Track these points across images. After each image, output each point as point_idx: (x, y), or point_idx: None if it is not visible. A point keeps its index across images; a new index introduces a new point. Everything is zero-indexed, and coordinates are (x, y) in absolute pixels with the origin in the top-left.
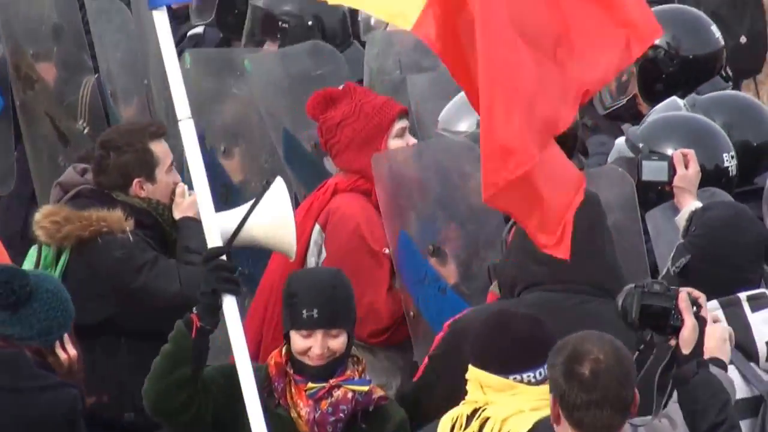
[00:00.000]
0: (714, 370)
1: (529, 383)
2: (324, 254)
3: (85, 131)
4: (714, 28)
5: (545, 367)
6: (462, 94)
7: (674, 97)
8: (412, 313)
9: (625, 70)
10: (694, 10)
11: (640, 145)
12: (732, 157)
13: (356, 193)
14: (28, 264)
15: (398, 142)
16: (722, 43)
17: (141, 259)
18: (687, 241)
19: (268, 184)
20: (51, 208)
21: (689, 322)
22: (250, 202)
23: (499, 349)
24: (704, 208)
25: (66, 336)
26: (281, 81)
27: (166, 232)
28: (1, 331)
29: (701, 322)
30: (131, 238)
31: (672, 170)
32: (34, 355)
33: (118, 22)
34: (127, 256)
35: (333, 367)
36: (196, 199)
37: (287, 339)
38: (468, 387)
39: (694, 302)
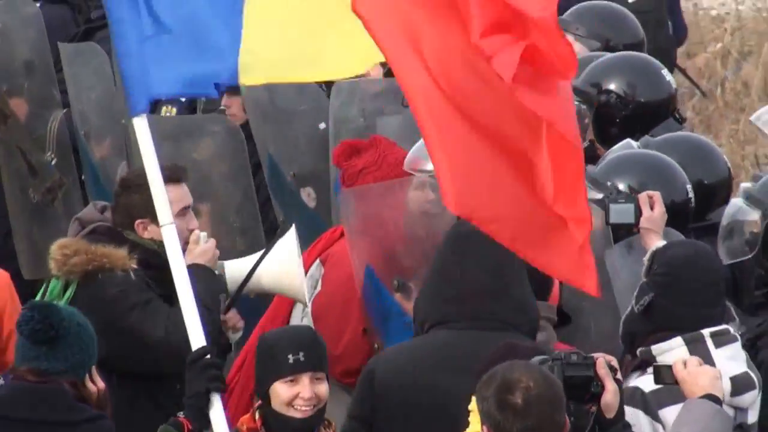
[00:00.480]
0: (712, 405)
1: None
2: (318, 288)
3: (53, 162)
4: (665, 72)
5: None
6: None
7: (628, 139)
8: (376, 346)
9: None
10: (646, 56)
11: (608, 183)
12: (690, 189)
13: None
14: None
15: (417, 194)
16: (674, 87)
17: (135, 299)
18: (650, 279)
19: (282, 232)
20: (64, 241)
21: (610, 387)
22: (260, 252)
23: None
24: (665, 247)
25: (93, 368)
26: (268, 110)
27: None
28: (36, 365)
29: (619, 385)
30: (132, 277)
31: (638, 212)
32: (71, 388)
33: (94, 64)
34: (123, 294)
35: (313, 422)
36: (210, 247)
37: (263, 398)
38: (471, 418)
39: (611, 367)
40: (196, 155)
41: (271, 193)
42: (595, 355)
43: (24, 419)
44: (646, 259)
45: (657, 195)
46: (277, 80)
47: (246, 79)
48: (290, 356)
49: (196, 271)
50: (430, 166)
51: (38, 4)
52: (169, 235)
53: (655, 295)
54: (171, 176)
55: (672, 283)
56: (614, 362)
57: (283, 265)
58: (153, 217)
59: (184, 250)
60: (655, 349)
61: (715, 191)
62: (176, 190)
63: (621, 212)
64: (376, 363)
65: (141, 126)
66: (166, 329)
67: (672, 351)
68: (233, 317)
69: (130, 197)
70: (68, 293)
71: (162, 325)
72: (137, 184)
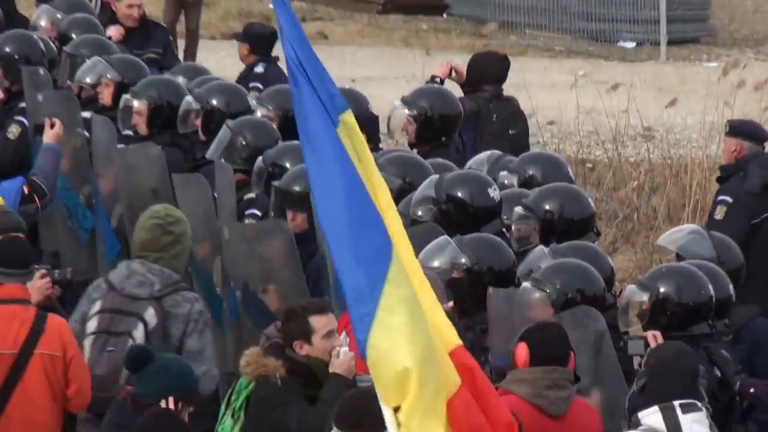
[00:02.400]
0: None
1: None
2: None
3: None
4: (589, 198)
5: None
6: (437, 240)
7: (540, 246)
8: None
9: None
10: (572, 186)
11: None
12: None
13: None
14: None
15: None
16: (593, 209)
17: (278, 400)
18: (645, 368)
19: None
20: (249, 350)
21: None
22: None
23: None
24: (658, 346)
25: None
26: (251, 256)
27: (320, 381)
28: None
29: None
30: (279, 383)
31: (646, 345)
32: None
33: (200, 189)
34: (270, 395)
35: None
36: (347, 359)
37: None
38: None
39: None
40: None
41: (246, 313)
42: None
43: None
44: (646, 354)
45: (658, 333)
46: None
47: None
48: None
49: (333, 379)
50: (435, 264)
51: (159, 147)
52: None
53: (648, 379)
54: (318, 308)
55: (662, 371)
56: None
57: None
58: (307, 339)
59: (328, 361)
60: (641, 414)
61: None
62: (323, 319)
63: (635, 346)
64: None
65: None
66: (298, 422)
67: (650, 415)
68: None
69: (289, 325)
70: (249, 388)
71: (294, 421)
72: (294, 314)
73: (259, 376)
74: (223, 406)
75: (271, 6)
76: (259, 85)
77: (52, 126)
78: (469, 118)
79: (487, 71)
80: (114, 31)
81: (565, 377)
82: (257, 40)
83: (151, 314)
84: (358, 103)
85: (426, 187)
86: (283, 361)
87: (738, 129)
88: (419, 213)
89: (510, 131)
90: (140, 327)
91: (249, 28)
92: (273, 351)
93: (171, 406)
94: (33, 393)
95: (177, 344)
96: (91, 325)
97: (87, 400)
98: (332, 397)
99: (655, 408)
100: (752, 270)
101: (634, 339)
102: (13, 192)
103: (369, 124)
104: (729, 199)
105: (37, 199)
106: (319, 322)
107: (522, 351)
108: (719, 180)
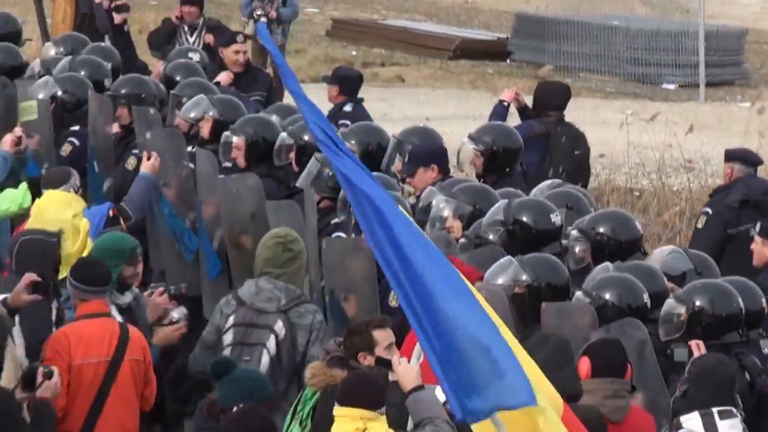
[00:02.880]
0: None
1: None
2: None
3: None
4: (636, 222)
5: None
6: (501, 260)
7: (606, 263)
8: None
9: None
10: (621, 211)
11: (594, 293)
12: (647, 296)
13: None
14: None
15: None
16: (641, 231)
17: None
18: (687, 376)
19: None
20: (316, 363)
21: None
22: None
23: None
24: (700, 357)
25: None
26: (338, 268)
27: None
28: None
29: None
30: None
31: (690, 353)
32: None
33: (292, 214)
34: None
35: None
36: (405, 369)
37: None
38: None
39: None
40: None
41: None
42: None
43: None
44: (689, 363)
45: (701, 343)
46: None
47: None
48: None
49: (396, 386)
50: (500, 281)
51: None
52: None
53: (689, 387)
54: (380, 324)
55: (702, 380)
56: None
57: None
58: (370, 351)
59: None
60: (682, 418)
61: (659, 298)
62: (384, 333)
63: (680, 354)
64: None
65: None
66: None
67: (691, 420)
68: None
69: (352, 339)
70: (314, 398)
71: None
72: (359, 329)
73: (327, 386)
74: (288, 417)
75: (354, 53)
76: (348, 122)
77: (149, 158)
78: (537, 140)
79: (552, 99)
80: (224, 76)
81: (623, 387)
82: (346, 82)
83: (280, 326)
84: (432, 139)
85: (495, 212)
86: (347, 372)
87: (731, 155)
88: (489, 235)
89: (575, 152)
90: (272, 338)
91: (338, 71)
92: (337, 363)
93: None
94: (125, 394)
95: (302, 351)
96: (227, 338)
97: (154, 400)
98: (394, 402)
99: (696, 413)
100: (724, 273)
101: (679, 347)
102: (98, 216)
103: (441, 156)
104: (710, 211)
105: (122, 221)
106: (381, 336)
107: (584, 364)
108: (710, 196)
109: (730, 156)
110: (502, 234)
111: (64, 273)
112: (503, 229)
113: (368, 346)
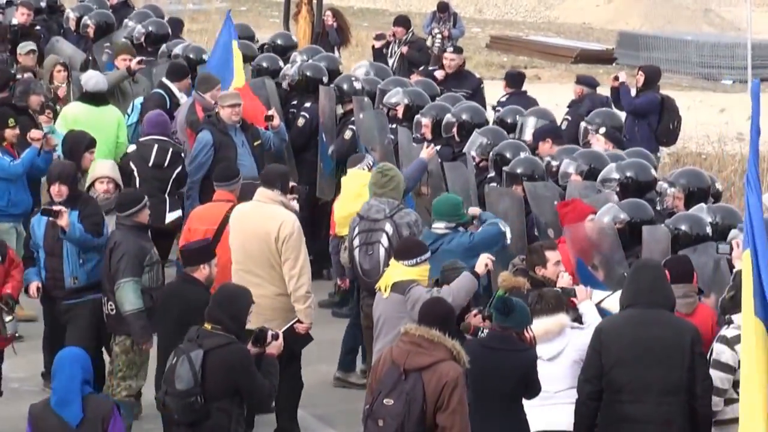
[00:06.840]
0: None
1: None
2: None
3: None
4: (707, 176)
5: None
6: (606, 205)
7: (702, 204)
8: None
9: None
10: (696, 168)
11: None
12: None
13: None
14: None
15: (593, 225)
16: (709, 182)
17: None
18: (733, 282)
19: None
20: (505, 272)
21: None
22: None
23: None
24: (739, 272)
25: None
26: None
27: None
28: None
29: None
30: (525, 292)
31: (731, 249)
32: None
33: None
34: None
35: None
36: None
37: None
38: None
39: None
40: None
41: None
42: None
43: None
44: (733, 273)
45: (739, 241)
46: None
47: None
48: None
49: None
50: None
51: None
52: None
53: (736, 292)
54: (550, 246)
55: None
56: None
57: None
58: (543, 266)
59: None
60: (733, 317)
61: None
62: (553, 253)
63: (723, 248)
64: (602, 324)
65: None
66: None
67: (739, 317)
68: None
69: (531, 256)
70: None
71: None
72: (536, 249)
73: (512, 288)
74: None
75: (505, 59)
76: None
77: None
78: (651, 108)
79: (657, 75)
80: (438, 74)
81: (691, 290)
82: (513, 78)
83: (389, 227)
84: (552, 118)
85: (609, 171)
86: (528, 279)
87: None
88: (604, 188)
89: (674, 122)
90: (384, 236)
91: (508, 73)
92: (520, 273)
93: None
94: (223, 248)
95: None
96: (357, 241)
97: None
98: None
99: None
100: None
101: (722, 243)
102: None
103: (556, 132)
104: None
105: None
106: (551, 255)
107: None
108: None
109: None
110: (613, 186)
111: None
112: (616, 183)
113: (542, 262)
